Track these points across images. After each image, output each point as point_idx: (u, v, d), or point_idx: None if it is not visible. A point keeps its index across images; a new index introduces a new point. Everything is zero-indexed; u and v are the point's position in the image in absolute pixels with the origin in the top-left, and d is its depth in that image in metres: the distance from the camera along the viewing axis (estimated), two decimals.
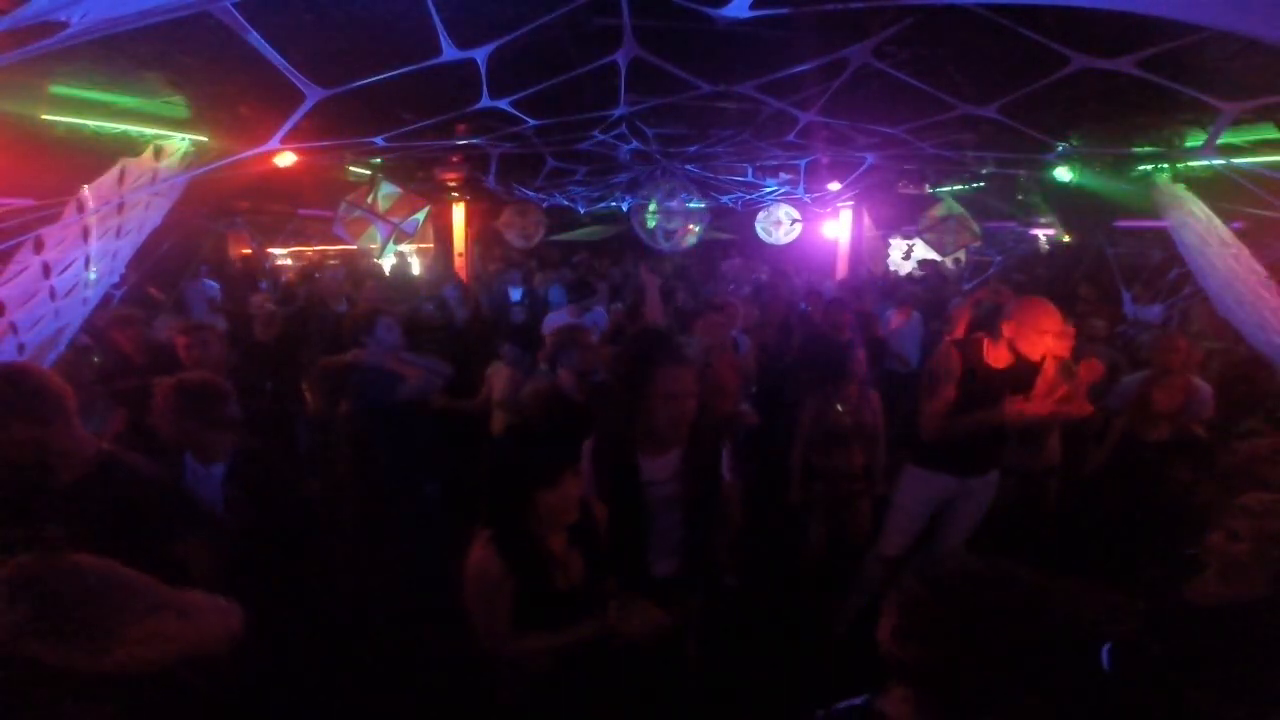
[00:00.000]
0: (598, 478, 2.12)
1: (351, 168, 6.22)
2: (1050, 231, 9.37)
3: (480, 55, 2.53)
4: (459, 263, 9.25)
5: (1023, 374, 2.70)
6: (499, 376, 3.86)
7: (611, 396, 2.20)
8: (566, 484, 1.70)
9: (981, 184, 7.23)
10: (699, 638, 2.62)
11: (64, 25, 1.41)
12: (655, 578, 2.17)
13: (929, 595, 1.07)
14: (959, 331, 3.73)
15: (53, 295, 2.85)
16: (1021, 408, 2.64)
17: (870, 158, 5.36)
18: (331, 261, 8.69)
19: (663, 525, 2.15)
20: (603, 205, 9.40)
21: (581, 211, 9.66)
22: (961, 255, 8.83)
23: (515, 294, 7.06)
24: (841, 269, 9.61)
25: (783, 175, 6.97)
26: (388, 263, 8.26)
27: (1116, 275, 5.96)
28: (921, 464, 3.00)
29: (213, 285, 6.63)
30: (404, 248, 8.60)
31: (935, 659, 1.04)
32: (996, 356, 2.74)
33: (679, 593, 2.25)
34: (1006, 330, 2.69)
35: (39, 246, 2.54)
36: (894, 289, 7.15)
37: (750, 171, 6.79)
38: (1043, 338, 2.63)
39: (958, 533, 3.02)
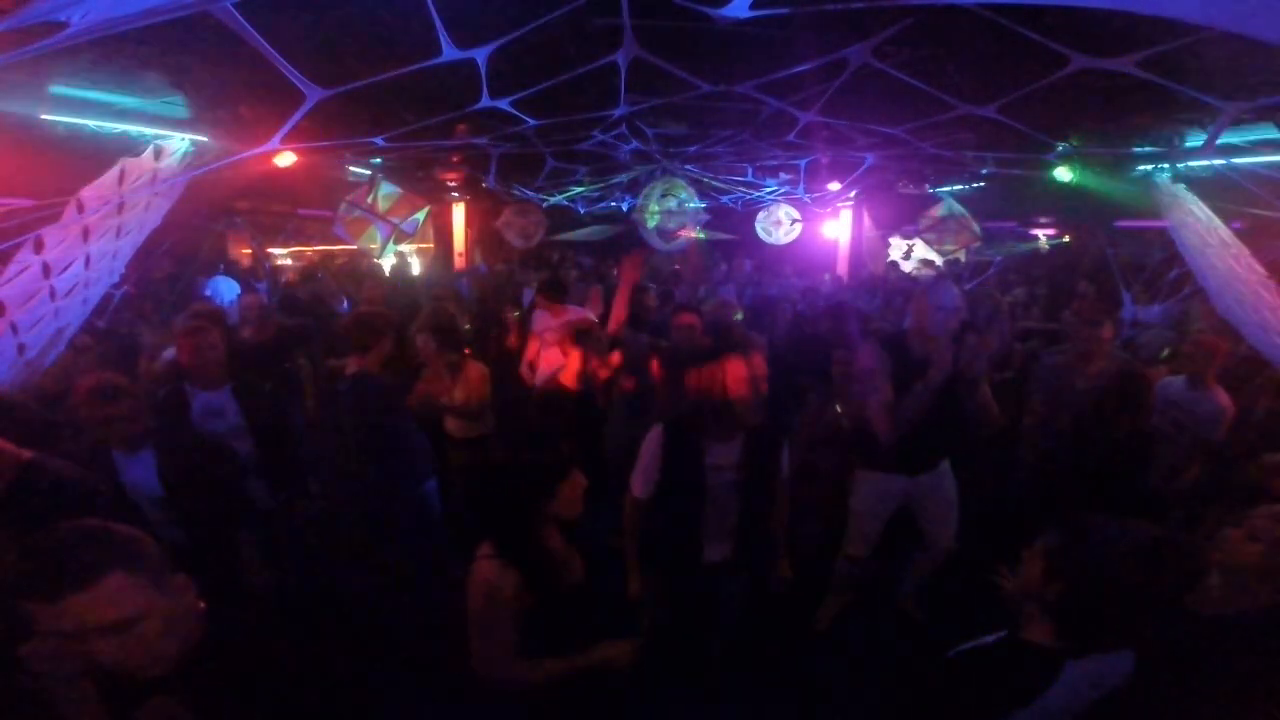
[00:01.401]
0: (664, 460, 2.26)
1: (351, 168, 6.22)
2: (1050, 231, 9.38)
3: (480, 55, 2.53)
4: (459, 263, 9.25)
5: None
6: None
7: (680, 382, 2.31)
8: (575, 474, 1.71)
9: (981, 184, 7.23)
10: (728, 633, 2.66)
11: (64, 25, 1.42)
12: (705, 562, 2.31)
13: (1074, 544, 1.33)
14: None
15: (53, 295, 2.85)
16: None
17: (870, 157, 5.36)
18: (339, 261, 8.69)
19: (718, 509, 2.27)
20: (603, 205, 9.40)
21: (581, 212, 9.66)
22: (961, 255, 8.84)
23: (529, 295, 7.01)
24: (841, 269, 9.61)
25: (783, 175, 6.97)
26: (388, 263, 8.26)
27: (1117, 275, 5.97)
28: (871, 467, 3.04)
29: (230, 282, 6.62)
30: (404, 248, 8.59)
31: (1077, 595, 1.30)
32: (916, 345, 2.87)
33: (725, 578, 2.39)
34: (914, 317, 2.80)
35: (39, 246, 2.54)
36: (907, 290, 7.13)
37: (750, 171, 6.80)
38: (937, 314, 2.76)
39: (940, 526, 3.04)
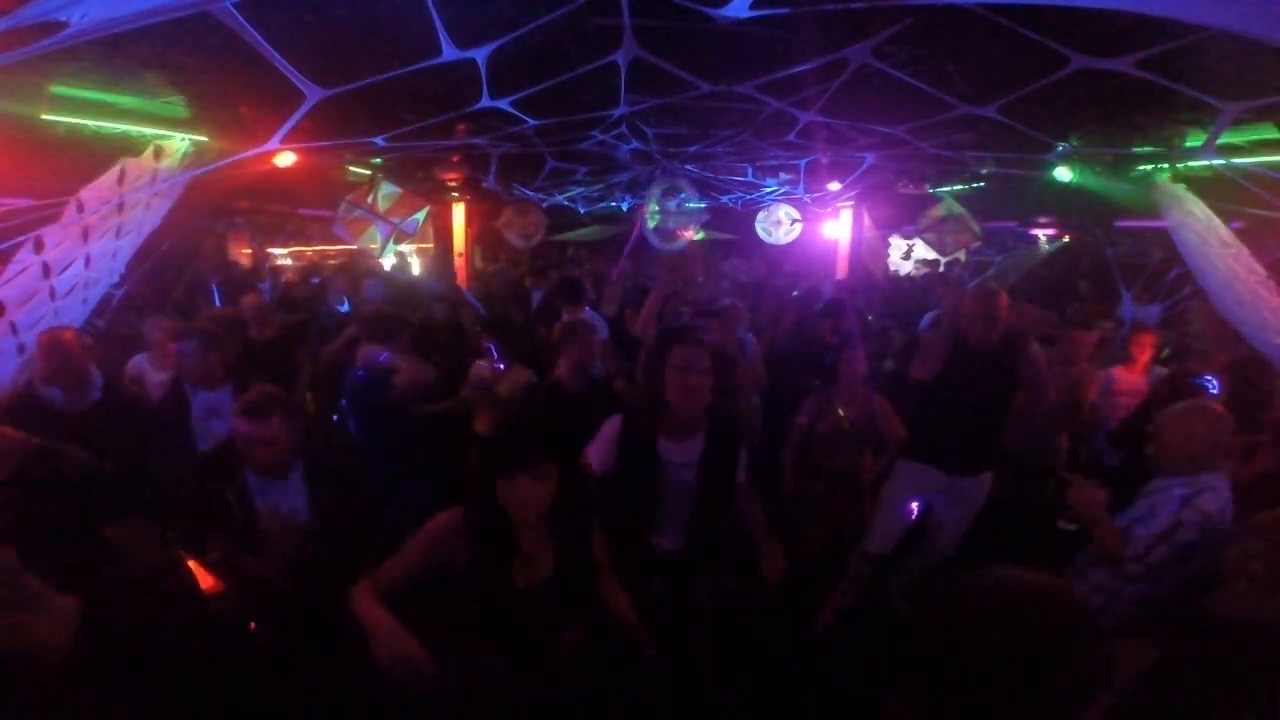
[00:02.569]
0: (620, 452, 2.26)
1: (351, 168, 6.21)
2: (1050, 232, 9.36)
3: (480, 55, 2.53)
4: (459, 263, 9.23)
5: (997, 358, 2.92)
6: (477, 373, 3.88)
7: (641, 378, 2.32)
8: (521, 479, 1.68)
9: (981, 184, 7.22)
10: (707, 635, 2.63)
11: (64, 25, 1.42)
12: (659, 551, 2.31)
13: (934, 607, 1.21)
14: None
15: (53, 295, 2.86)
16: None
17: (870, 157, 5.36)
18: (331, 262, 8.69)
19: (673, 506, 2.27)
20: (603, 205, 9.40)
21: (581, 211, 9.65)
22: (962, 255, 8.82)
23: (537, 297, 6.96)
24: (841, 269, 9.59)
25: (783, 175, 6.97)
26: (388, 263, 8.24)
27: (1116, 275, 5.95)
28: (912, 457, 3.06)
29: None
30: (404, 248, 8.58)
31: (950, 659, 1.13)
32: (978, 342, 2.97)
33: (680, 570, 2.37)
34: (964, 318, 2.93)
35: (39, 246, 2.55)
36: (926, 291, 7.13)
37: (750, 171, 6.79)
38: (974, 321, 2.90)
39: (948, 535, 3.04)
